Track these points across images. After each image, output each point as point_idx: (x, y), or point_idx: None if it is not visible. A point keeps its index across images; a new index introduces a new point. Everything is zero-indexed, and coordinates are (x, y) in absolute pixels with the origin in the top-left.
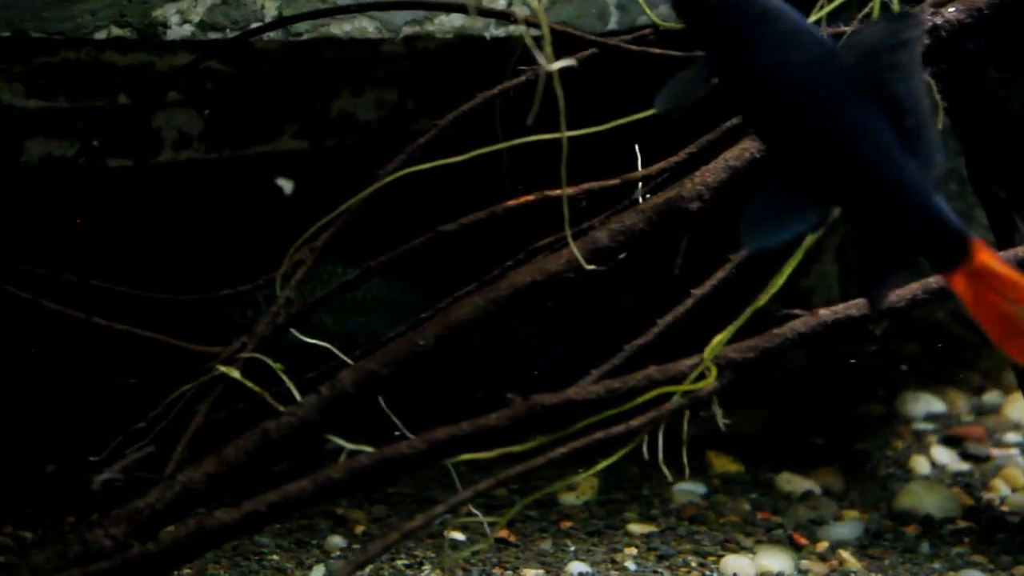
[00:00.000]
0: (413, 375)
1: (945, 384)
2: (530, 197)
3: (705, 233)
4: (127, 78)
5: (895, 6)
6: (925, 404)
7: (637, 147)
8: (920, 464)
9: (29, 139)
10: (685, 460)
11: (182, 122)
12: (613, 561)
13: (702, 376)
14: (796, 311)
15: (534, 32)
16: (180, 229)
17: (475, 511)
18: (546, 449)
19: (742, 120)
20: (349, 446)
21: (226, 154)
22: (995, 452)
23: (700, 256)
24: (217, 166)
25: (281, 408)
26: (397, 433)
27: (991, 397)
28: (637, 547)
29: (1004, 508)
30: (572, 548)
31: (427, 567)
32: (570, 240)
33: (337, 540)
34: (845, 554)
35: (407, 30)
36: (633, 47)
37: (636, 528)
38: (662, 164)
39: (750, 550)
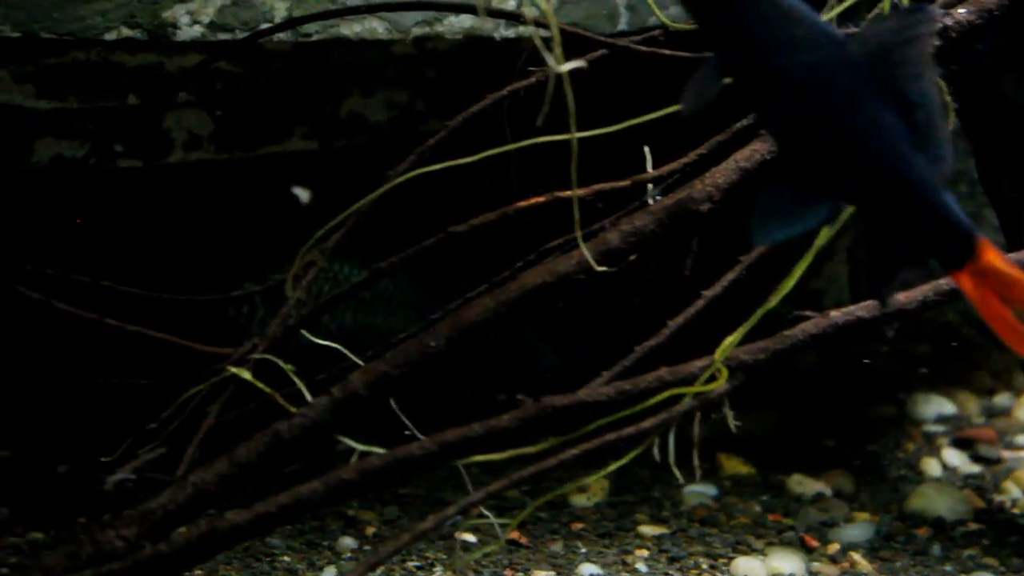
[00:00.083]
0: (424, 376)
1: (956, 386)
2: (540, 198)
3: (714, 234)
4: (137, 79)
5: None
6: (936, 406)
7: (647, 148)
8: (931, 466)
9: (39, 139)
10: (696, 462)
11: (192, 123)
12: (624, 563)
13: (713, 378)
14: (807, 313)
15: (544, 33)
16: (189, 229)
17: (486, 512)
18: (558, 450)
19: (753, 117)
20: (360, 447)
21: (236, 155)
22: (1006, 454)
23: (709, 257)
24: (227, 167)
25: (292, 409)
26: (407, 432)
27: (1002, 399)
28: (648, 549)
29: (1015, 511)
30: (583, 550)
31: (438, 568)
32: (580, 241)
33: (348, 541)
34: (856, 556)
35: (417, 31)
36: (643, 48)
37: (647, 530)
38: (672, 165)
39: (761, 552)
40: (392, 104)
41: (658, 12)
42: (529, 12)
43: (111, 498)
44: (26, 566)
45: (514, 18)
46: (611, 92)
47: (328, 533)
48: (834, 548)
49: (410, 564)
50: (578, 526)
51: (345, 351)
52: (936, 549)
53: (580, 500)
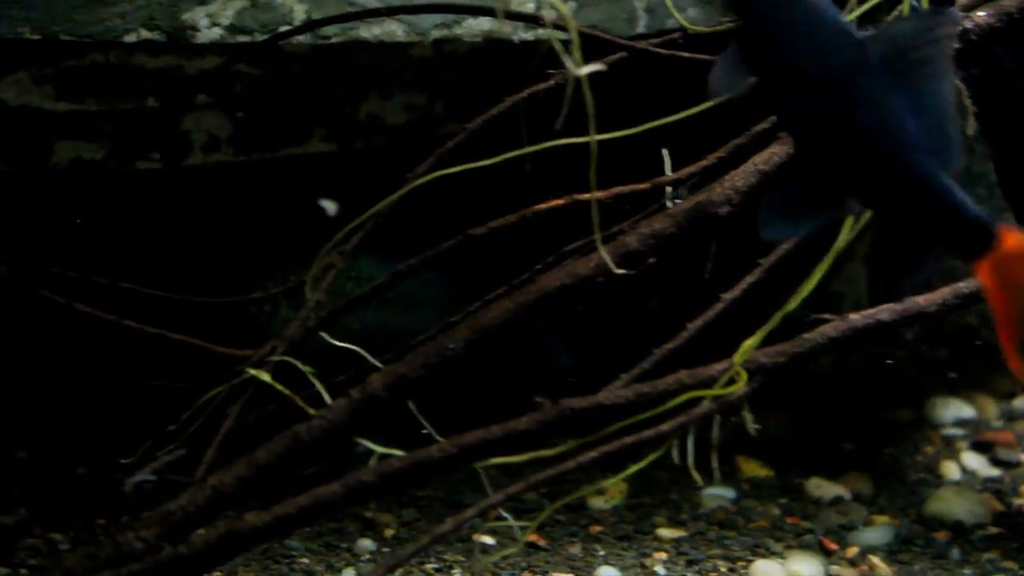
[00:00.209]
0: (442, 379)
1: (975, 389)
2: (559, 200)
3: (732, 237)
4: (156, 81)
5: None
6: (955, 409)
7: (665, 151)
8: (950, 469)
9: (58, 141)
10: (715, 465)
11: (211, 125)
12: (643, 566)
13: (732, 381)
14: (827, 316)
15: (562, 36)
16: (207, 231)
17: (505, 515)
18: (576, 453)
19: (771, 112)
20: (380, 449)
21: (255, 157)
22: None
23: (725, 260)
24: (246, 169)
25: (312, 411)
26: (423, 430)
27: (1021, 403)
28: (667, 552)
29: None
30: (602, 552)
31: (457, 570)
32: (599, 244)
33: (367, 543)
34: (875, 559)
35: (436, 33)
36: (662, 51)
37: (666, 533)
38: (691, 168)
39: (780, 555)
40: (410, 106)
41: (677, 14)
42: (548, 15)
43: (130, 500)
44: (46, 567)
45: (533, 20)
46: (630, 95)
47: (346, 535)
48: (853, 551)
49: (428, 566)
50: (596, 529)
51: (364, 353)
52: (955, 553)
53: (598, 503)
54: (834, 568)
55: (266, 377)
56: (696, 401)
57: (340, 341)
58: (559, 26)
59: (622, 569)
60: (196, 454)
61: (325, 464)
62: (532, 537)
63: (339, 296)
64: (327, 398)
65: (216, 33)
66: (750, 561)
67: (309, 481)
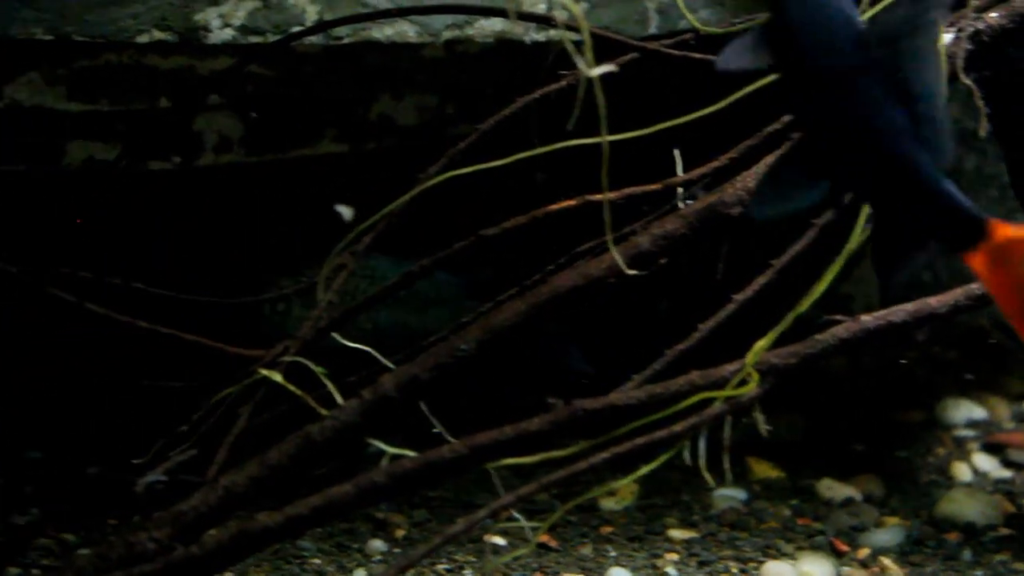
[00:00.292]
0: (454, 379)
1: (986, 391)
2: (571, 201)
3: (743, 238)
4: (169, 81)
5: None
6: (966, 411)
7: (677, 152)
8: (961, 471)
9: (71, 142)
10: (728, 466)
11: (223, 125)
12: (654, 567)
13: (744, 382)
14: (838, 317)
15: (574, 37)
16: (219, 231)
17: (517, 515)
18: (588, 454)
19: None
20: (391, 450)
21: (267, 157)
22: None
23: (736, 261)
24: (258, 169)
25: (323, 411)
26: (434, 429)
27: None
28: (678, 553)
29: None
30: (613, 553)
31: (468, 571)
32: (611, 245)
33: (378, 544)
34: (887, 561)
35: (447, 34)
36: (674, 52)
37: (677, 534)
38: (703, 169)
39: (791, 556)
40: (422, 107)
41: (689, 15)
42: (560, 16)
43: (142, 500)
44: (58, 567)
45: (545, 21)
46: (642, 96)
47: (358, 536)
48: (864, 553)
49: (440, 567)
50: (608, 530)
51: (375, 354)
52: (967, 554)
53: (609, 504)
54: (845, 569)
55: (278, 377)
56: (708, 402)
57: (353, 340)
58: (571, 27)
59: (633, 570)
60: (208, 454)
61: (337, 465)
62: (543, 538)
63: (354, 295)
64: (339, 398)
65: (228, 34)
66: (761, 562)
67: (321, 482)
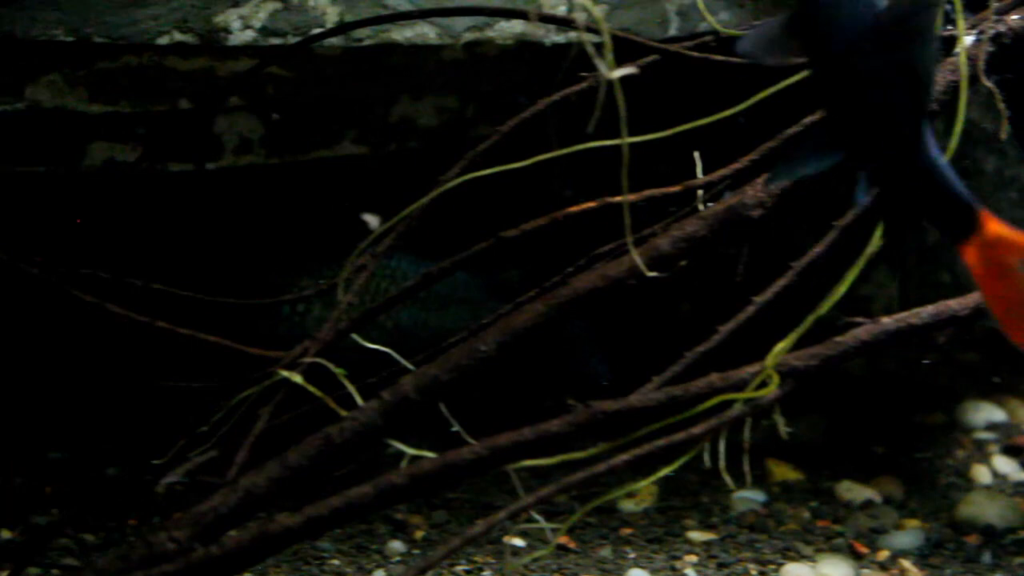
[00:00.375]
0: (474, 381)
1: (1006, 393)
2: (591, 203)
3: (764, 240)
4: (189, 83)
5: (958, 10)
6: (986, 413)
7: (697, 154)
8: (981, 474)
9: (91, 143)
10: (747, 468)
11: (243, 127)
12: (673, 568)
13: (764, 384)
14: (859, 319)
15: (594, 38)
16: (239, 232)
17: (537, 517)
18: (608, 456)
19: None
20: (411, 451)
21: (287, 159)
22: None
23: (756, 263)
24: (278, 171)
25: (343, 413)
26: (452, 428)
27: None
28: (697, 555)
29: None
30: (632, 555)
31: (487, 572)
32: (631, 247)
33: (397, 545)
34: (906, 563)
35: (468, 36)
36: (695, 54)
37: (696, 536)
38: (724, 171)
39: (810, 558)
40: (442, 109)
41: (709, 17)
42: (580, 17)
43: (162, 501)
44: (78, 567)
45: (565, 23)
46: (662, 98)
47: (377, 537)
48: (884, 555)
49: (459, 568)
50: (627, 531)
51: (395, 355)
52: (987, 557)
53: (629, 505)
54: (865, 572)
55: (298, 379)
56: (727, 404)
57: (374, 339)
58: (591, 29)
59: (652, 572)
60: (228, 455)
61: (356, 466)
62: (563, 539)
63: (375, 295)
64: (359, 400)
65: (249, 35)
66: (781, 564)
67: (340, 483)
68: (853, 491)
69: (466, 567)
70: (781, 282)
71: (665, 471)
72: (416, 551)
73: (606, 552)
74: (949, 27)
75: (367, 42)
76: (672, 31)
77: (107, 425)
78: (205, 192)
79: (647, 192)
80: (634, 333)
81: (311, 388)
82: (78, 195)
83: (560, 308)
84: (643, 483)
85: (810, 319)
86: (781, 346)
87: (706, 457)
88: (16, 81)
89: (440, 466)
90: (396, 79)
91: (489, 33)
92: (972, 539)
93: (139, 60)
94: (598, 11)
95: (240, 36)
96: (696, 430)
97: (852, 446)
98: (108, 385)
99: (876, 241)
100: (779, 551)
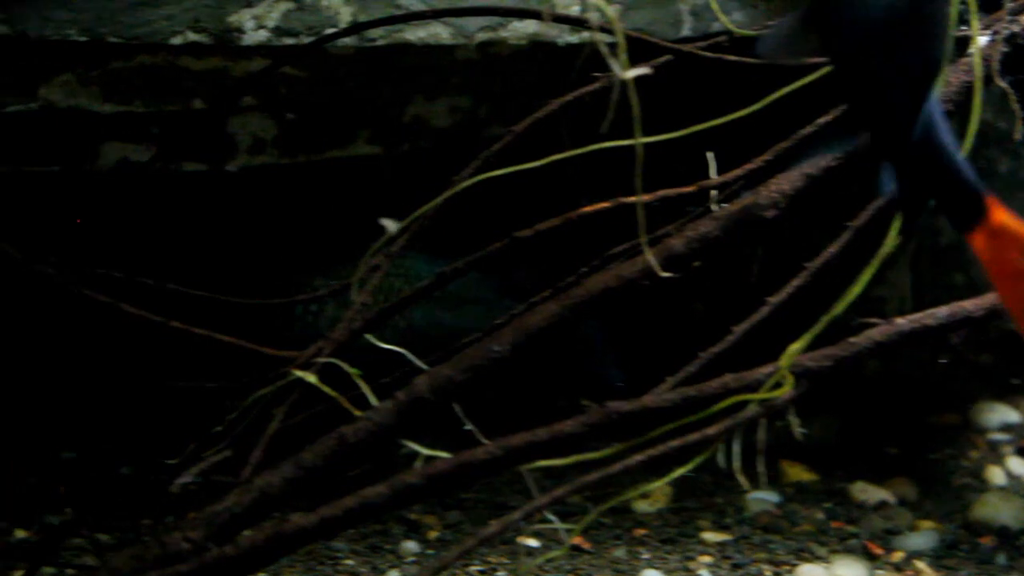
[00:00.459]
0: (488, 381)
1: (1020, 394)
2: (605, 203)
3: (777, 241)
4: (202, 83)
5: (972, 10)
6: (1000, 415)
7: (711, 154)
8: (995, 475)
9: (105, 143)
10: (761, 468)
11: (256, 127)
12: (687, 569)
13: (778, 384)
14: (873, 320)
15: (608, 39)
16: (253, 232)
17: (551, 517)
18: (622, 456)
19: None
20: (425, 451)
21: (300, 159)
22: None
23: (771, 264)
24: (291, 171)
25: (357, 413)
26: (467, 427)
27: None
28: (711, 555)
29: None
30: (646, 556)
31: (501, 573)
32: (645, 247)
33: (411, 545)
34: (921, 564)
35: (481, 36)
36: (708, 54)
37: (710, 536)
38: (737, 171)
39: (825, 559)
40: (455, 109)
41: (723, 17)
42: (594, 18)
43: (176, 500)
44: (93, 567)
45: (579, 23)
46: (675, 98)
47: (391, 537)
48: (898, 556)
49: (473, 568)
50: (641, 532)
51: (408, 355)
52: (1001, 558)
53: (643, 506)
54: (879, 573)
55: (312, 379)
56: (742, 405)
57: (387, 338)
58: (605, 29)
59: (666, 572)
60: (242, 455)
61: (370, 466)
62: (576, 540)
63: (388, 294)
64: (373, 400)
65: (262, 35)
66: (795, 565)
67: (354, 483)
68: (867, 492)
69: (480, 567)
70: (795, 283)
71: (680, 472)
72: (430, 551)
73: (620, 553)
74: (963, 27)
75: (380, 42)
76: (685, 31)
77: (121, 425)
78: (218, 193)
79: (661, 192)
80: (648, 334)
81: (325, 388)
82: (91, 195)
83: (574, 309)
84: (657, 484)
85: (824, 320)
86: (795, 347)
87: (720, 458)
88: (29, 81)
89: (455, 466)
90: (409, 79)
91: (502, 33)
92: (987, 540)
93: (153, 60)
94: (612, 11)
95: (253, 36)
96: (710, 431)
97: (866, 447)
98: (121, 385)
99: (890, 242)
100: (793, 552)
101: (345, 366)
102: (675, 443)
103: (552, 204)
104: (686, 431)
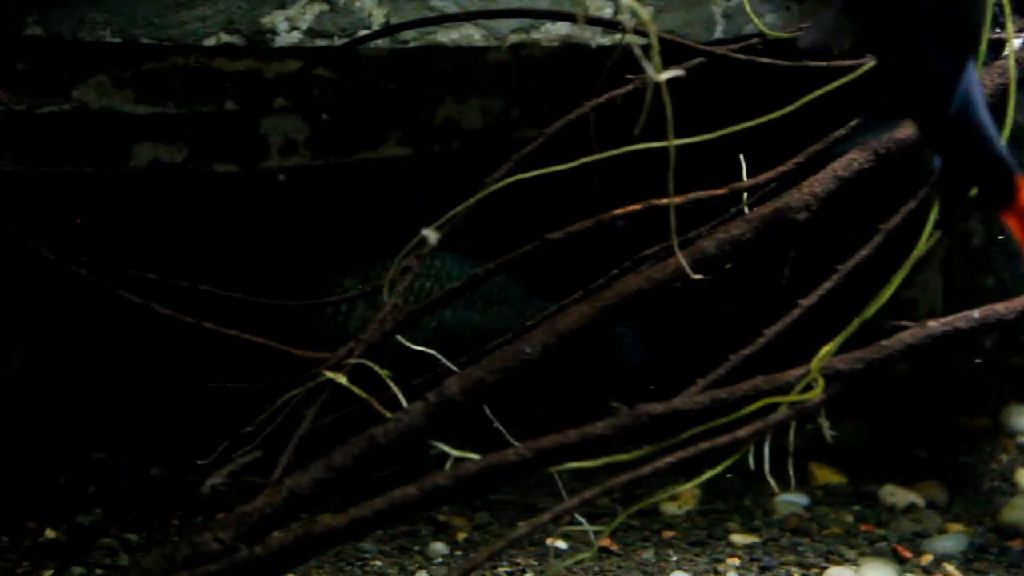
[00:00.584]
0: (519, 383)
1: None
2: (636, 205)
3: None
4: (235, 84)
5: (1007, 13)
6: None
7: (742, 157)
8: None
9: (137, 144)
10: (790, 471)
11: (288, 128)
12: (715, 571)
13: (809, 387)
14: (905, 323)
15: (641, 41)
16: (285, 232)
17: (580, 519)
18: (652, 458)
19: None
20: (455, 453)
21: (331, 160)
22: None
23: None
24: (323, 172)
25: (388, 414)
26: (496, 424)
27: None
28: (739, 558)
29: None
30: (674, 558)
31: (529, 574)
32: (676, 249)
33: (439, 546)
34: (950, 568)
35: (513, 38)
36: (741, 56)
37: (738, 539)
38: (770, 174)
39: (854, 562)
40: (487, 111)
41: (756, 20)
42: (626, 20)
43: (206, 501)
44: (124, 567)
45: (611, 26)
46: (707, 100)
47: (419, 538)
48: (927, 559)
49: (501, 570)
50: (669, 534)
51: (438, 356)
52: None
53: (671, 508)
54: None
55: (343, 380)
56: (772, 407)
57: (418, 338)
58: (638, 31)
59: (695, 574)
60: (272, 456)
61: (399, 467)
62: (605, 542)
63: (419, 294)
64: (403, 401)
65: (295, 37)
66: (824, 568)
67: (384, 484)
68: (896, 495)
69: (508, 569)
70: (827, 285)
71: (709, 474)
72: (459, 553)
73: (648, 555)
74: (998, 30)
75: (413, 44)
76: (718, 34)
77: (151, 425)
78: (250, 193)
79: (692, 195)
80: (679, 335)
81: (356, 389)
82: (123, 195)
83: (605, 311)
84: (687, 486)
85: (856, 322)
86: (826, 349)
87: (750, 460)
88: (63, 82)
89: (484, 468)
90: (441, 81)
91: (535, 35)
92: (1016, 544)
93: (186, 61)
94: (645, 14)
95: (287, 38)
96: (741, 433)
97: (895, 450)
98: (152, 385)
99: (922, 245)
100: (822, 555)
101: (376, 367)
102: (705, 445)
103: (584, 206)
104: (716, 433)
